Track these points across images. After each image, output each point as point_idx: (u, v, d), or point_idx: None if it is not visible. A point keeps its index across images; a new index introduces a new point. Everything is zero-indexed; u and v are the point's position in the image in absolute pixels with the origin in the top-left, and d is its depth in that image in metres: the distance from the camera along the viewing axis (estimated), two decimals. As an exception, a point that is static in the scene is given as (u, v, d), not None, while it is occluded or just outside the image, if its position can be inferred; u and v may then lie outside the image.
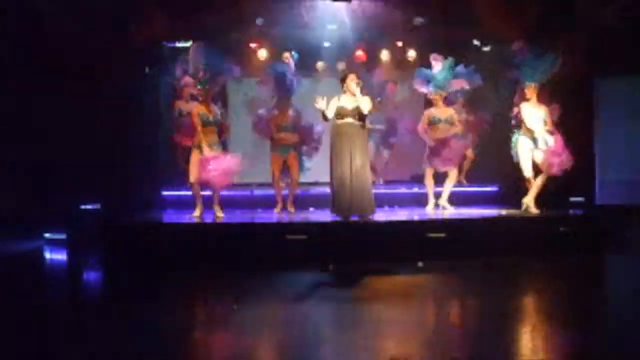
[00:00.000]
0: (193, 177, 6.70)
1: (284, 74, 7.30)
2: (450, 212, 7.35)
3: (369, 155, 6.68)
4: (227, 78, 7.12)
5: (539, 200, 7.05)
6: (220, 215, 6.85)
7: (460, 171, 8.39)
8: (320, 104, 6.22)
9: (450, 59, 7.33)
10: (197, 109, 6.77)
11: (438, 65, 7.36)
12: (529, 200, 7.02)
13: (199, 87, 6.80)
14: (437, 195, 7.63)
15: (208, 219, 6.77)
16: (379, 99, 8.74)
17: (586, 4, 7.77)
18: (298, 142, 7.51)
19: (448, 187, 7.54)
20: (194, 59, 6.82)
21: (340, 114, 6.34)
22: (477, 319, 4.33)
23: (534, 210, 6.97)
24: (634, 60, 8.09)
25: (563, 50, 6.99)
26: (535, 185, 6.96)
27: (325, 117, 6.32)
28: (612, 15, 7.70)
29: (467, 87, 7.59)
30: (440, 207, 7.55)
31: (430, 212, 7.39)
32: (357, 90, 6.30)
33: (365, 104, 6.31)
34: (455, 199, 7.77)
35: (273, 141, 7.47)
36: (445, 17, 8.08)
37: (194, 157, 6.71)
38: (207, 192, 7.06)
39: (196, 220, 6.73)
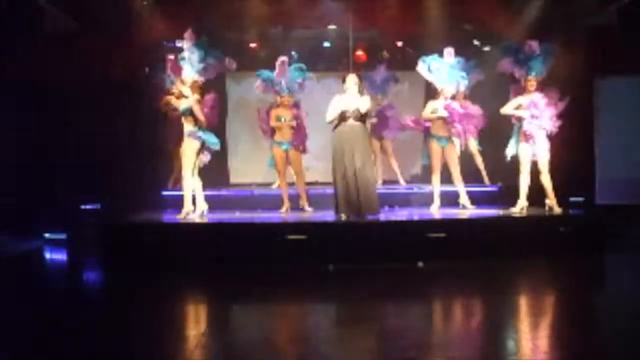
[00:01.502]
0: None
1: (270, 80, 7.30)
2: (471, 211, 7.32)
3: (371, 155, 6.65)
4: (221, 69, 7.08)
5: (537, 199, 7.04)
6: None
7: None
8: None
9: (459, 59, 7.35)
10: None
11: (450, 60, 7.34)
12: (551, 202, 6.95)
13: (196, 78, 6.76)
14: (443, 196, 7.63)
15: (207, 219, 6.77)
16: (380, 96, 8.71)
17: (586, 4, 7.77)
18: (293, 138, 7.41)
19: (460, 185, 7.52)
20: (192, 53, 6.82)
21: (343, 115, 6.36)
22: (477, 319, 4.33)
23: (557, 209, 6.89)
24: (634, 60, 8.08)
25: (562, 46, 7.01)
26: (546, 186, 6.92)
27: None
28: (612, 15, 7.70)
29: (463, 87, 7.56)
30: (460, 206, 7.53)
31: (435, 212, 7.36)
32: (355, 89, 6.31)
33: (363, 104, 6.31)
34: (456, 199, 7.76)
35: (273, 134, 7.43)
36: (445, 17, 8.08)
37: (192, 146, 6.70)
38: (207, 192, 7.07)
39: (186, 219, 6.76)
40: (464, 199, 7.53)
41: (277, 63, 7.23)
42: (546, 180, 6.89)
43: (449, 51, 7.28)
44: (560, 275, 5.77)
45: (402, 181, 8.91)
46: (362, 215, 6.31)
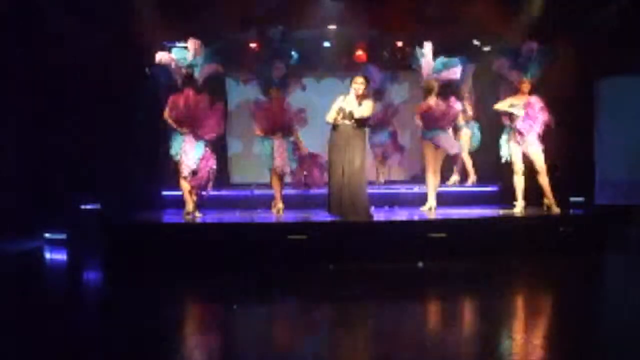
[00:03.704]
0: None
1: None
2: (470, 211, 7.32)
3: (366, 158, 6.61)
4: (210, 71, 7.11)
5: (536, 199, 7.04)
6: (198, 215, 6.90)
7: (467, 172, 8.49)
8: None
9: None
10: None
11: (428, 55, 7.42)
12: (549, 202, 6.95)
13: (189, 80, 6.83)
14: (442, 196, 7.64)
15: (207, 219, 6.77)
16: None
17: (586, 4, 7.77)
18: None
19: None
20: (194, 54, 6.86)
21: (341, 115, 6.34)
22: (476, 320, 4.33)
23: (556, 209, 6.88)
24: (634, 60, 8.08)
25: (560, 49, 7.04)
26: (544, 186, 6.92)
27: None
28: (612, 15, 7.70)
29: (456, 76, 7.57)
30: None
31: (426, 211, 7.36)
32: (354, 92, 6.29)
33: (361, 110, 6.27)
34: (456, 199, 7.77)
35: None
36: (445, 17, 8.08)
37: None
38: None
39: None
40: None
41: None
42: (543, 180, 6.89)
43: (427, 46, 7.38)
44: (560, 275, 5.76)
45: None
46: (347, 218, 6.30)
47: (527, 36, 7.31)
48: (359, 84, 6.33)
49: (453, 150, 7.47)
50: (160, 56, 6.92)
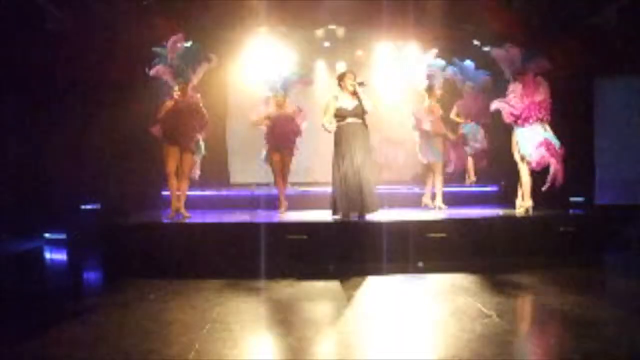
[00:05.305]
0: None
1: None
2: (445, 212, 7.33)
3: (371, 154, 6.65)
4: (204, 67, 7.07)
5: (537, 199, 7.04)
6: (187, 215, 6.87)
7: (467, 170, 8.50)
8: (328, 126, 6.34)
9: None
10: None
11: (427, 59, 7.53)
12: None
13: (179, 79, 6.75)
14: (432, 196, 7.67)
15: (208, 219, 6.77)
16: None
17: (586, 4, 7.78)
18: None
19: (438, 186, 7.54)
20: (171, 50, 6.81)
21: (342, 114, 6.34)
22: (476, 320, 4.33)
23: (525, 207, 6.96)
24: (634, 60, 8.10)
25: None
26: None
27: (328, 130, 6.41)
28: (611, 15, 7.72)
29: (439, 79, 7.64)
30: (436, 208, 7.54)
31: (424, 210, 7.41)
32: (360, 90, 6.31)
33: (369, 103, 6.31)
34: (456, 199, 7.76)
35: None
36: (445, 17, 8.09)
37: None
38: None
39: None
40: (439, 201, 7.57)
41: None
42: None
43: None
44: (560, 275, 5.77)
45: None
46: (362, 214, 6.30)
47: (527, 34, 7.33)
48: (352, 79, 6.35)
49: (423, 160, 7.63)
50: (155, 70, 6.87)
